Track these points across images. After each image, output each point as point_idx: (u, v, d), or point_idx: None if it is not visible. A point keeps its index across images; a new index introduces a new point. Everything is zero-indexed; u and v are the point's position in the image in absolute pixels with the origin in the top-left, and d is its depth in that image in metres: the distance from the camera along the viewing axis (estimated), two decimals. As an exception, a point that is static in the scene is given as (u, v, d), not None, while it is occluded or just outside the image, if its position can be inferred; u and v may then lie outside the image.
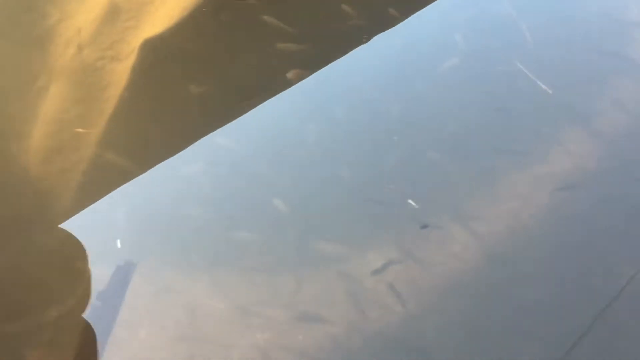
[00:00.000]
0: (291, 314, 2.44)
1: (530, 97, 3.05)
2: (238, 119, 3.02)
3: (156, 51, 3.17)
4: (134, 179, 2.81)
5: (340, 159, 2.88)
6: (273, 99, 3.09)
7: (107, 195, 2.75)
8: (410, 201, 2.68)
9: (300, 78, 3.16)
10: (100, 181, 2.78)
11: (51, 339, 2.38)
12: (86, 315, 2.46)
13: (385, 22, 3.42)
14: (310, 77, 3.17)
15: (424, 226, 2.57)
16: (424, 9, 3.48)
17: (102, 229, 2.70)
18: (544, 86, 2.96)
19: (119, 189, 2.77)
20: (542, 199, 2.69)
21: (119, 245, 2.61)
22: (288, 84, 3.13)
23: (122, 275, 2.60)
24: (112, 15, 3.23)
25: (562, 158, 2.82)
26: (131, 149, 2.89)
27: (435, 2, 3.51)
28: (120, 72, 3.04)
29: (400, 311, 2.43)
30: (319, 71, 3.20)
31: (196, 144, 2.94)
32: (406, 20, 3.44)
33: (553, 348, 2.32)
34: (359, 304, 2.45)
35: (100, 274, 2.55)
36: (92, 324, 2.43)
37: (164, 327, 2.44)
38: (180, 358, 2.38)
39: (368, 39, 3.32)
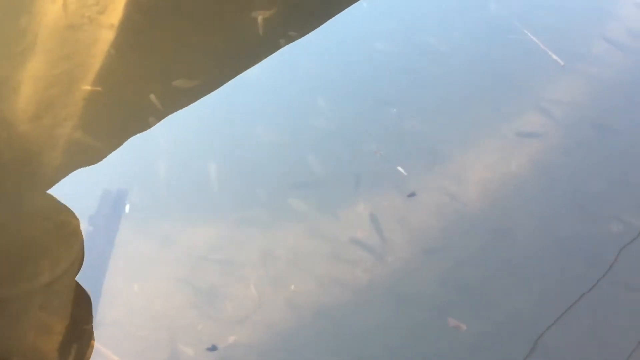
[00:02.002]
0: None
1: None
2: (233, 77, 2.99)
3: (142, 6, 3.11)
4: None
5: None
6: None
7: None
8: (399, 168, 2.67)
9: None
10: (89, 138, 2.73)
11: (45, 303, 2.35)
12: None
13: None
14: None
15: (411, 194, 2.59)
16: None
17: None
18: (554, 56, 2.91)
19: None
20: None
21: (127, 210, 2.58)
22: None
23: (113, 201, 2.60)
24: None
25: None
26: (120, 105, 2.85)
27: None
28: (107, 27, 2.99)
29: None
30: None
31: (191, 97, 2.90)
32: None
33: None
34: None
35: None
36: (84, 288, 2.39)
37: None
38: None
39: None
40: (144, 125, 2.81)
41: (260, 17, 3.12)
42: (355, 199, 2.63)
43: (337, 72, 3.07)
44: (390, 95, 2.95)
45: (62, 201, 2.57)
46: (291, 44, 3.13)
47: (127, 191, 2.65)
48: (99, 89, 2.81)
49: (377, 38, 3.18)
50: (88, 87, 2.80)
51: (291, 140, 2.80)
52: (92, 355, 2.26)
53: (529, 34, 3.06)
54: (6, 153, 2.68)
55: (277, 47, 3.10)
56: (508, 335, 2.30)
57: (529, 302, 2.36)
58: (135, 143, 2.78)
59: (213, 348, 2.29)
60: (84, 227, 2.53)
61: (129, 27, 3.03)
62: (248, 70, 3.02)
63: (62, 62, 2.86)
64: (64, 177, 2.62)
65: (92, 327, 2.31)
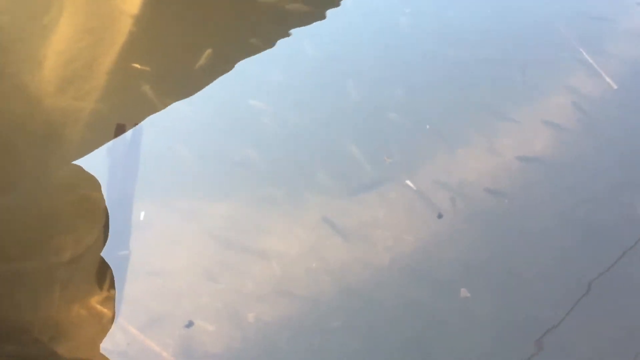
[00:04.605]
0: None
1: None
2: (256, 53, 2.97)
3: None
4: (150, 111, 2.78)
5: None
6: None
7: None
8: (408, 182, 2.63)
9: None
10: (113, 111, 2.74)
11: (68, 277, 2.35)
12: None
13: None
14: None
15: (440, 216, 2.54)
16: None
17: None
18: (608, 79, 2.84)
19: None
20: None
21: (142, 217, 2.53)
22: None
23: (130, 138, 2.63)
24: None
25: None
26: (143, 78, 2.84)
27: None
28: (132, 2, 2.99)
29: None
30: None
31: (213, 74, 2.89)
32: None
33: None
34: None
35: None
36: (109, 264, 2.38)
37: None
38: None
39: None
40: (167, 101, 2.80)
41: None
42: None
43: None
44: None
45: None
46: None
47: (142, 129, 2.65)
48: (122, 64, 2.81)
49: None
50: (111, 62, 2.79)
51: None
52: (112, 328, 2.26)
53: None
54: (31, 126, 2.69)
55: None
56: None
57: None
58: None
59: (189, 324, 2.27)
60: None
61: (153, 1, 3.03)
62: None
63: (86, 35, 2.87)
64: (89, 151, 2.62)
65: (114, 302, 2.30)
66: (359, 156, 2.66)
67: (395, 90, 2.86)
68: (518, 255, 2.42)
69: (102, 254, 2.37)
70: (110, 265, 2.36)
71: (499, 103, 2.84)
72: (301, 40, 3.06)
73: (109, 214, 2.45)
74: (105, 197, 2.50)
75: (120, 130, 2.66)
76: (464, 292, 2.30)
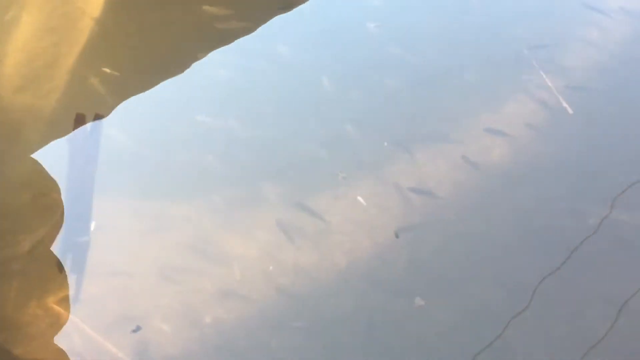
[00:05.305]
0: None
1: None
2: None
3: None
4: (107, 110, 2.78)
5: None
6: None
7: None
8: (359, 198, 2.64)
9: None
10: (73, 111, 2.72)
11: (23, 270, 2.34)
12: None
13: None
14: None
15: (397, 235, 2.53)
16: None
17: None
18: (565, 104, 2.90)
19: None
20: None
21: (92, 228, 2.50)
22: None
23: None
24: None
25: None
26: (104, 79, 2.83)
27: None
28: (94, 2, 2.98)
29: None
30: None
31: (171, 75, 2.90)
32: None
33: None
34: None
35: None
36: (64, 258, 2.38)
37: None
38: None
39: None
40: (127, 102, 2.80)
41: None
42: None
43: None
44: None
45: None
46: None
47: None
48: (84, 63, 2.80)
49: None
50: (73, 61, 2.78)
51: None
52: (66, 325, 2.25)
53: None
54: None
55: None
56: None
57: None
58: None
59: (137, 329, 2.28)
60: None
61: (116, 2, 3.02)
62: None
63: (47, 35, 2.87)
64: (48, 148, 2.62)
65: (69, 303, 2.29)
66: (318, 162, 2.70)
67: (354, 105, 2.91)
68: (472, 260, 2.48)
69: (61, 245, 2.38)
70: (68, 261, 2.36)
71: (457, 113, 2.89)
72: (261, 40, 3.09)
73: (70, 202, 2.47)
74: (64, 188, 2.51)
75: (80, 120, 2.67)
76: (418, 301, 2.35)
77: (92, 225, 2.48)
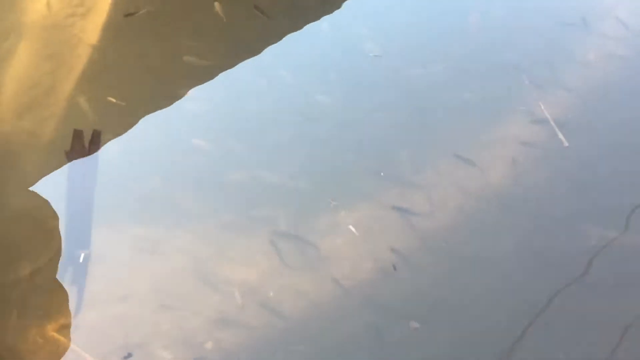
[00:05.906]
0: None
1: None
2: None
3: (127, 8, 3.12)
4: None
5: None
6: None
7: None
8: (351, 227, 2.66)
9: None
10: (71, 138, 2.71)
11: (23, 298, 2.34)
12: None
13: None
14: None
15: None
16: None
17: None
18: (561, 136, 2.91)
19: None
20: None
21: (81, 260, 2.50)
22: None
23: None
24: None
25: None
26: (102, 106, 2.84)
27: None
28: (91, 29, 3.00)
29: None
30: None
31: (169, 99, 2.91)
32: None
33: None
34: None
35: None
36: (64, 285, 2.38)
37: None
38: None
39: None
40: (127, 128, 2.81)
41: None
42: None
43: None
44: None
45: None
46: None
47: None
48: (81, 91, 2.82)
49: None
50: (70, 89, 2.80)
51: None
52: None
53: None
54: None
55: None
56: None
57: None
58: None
59: (128, 355, 2.28)
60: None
61: (112, 29, 3.04)
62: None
63: (45, 62, 2.88)
64: (45, 175, 2.62)
65: (69, 330, 2.29)
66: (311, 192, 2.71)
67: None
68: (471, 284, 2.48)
69: (60, 272, 2.39)
70: (67, 288, 2.36)
71: (454, 138, 2.90)
72: (258, 64, 3.11)
73: (69, 228, 2.48)
74: (62, 215, 2.52)
75: (78, 136, 2.68)
76: (413, 324, 2.36)
77: (89, 252, 2.49)
